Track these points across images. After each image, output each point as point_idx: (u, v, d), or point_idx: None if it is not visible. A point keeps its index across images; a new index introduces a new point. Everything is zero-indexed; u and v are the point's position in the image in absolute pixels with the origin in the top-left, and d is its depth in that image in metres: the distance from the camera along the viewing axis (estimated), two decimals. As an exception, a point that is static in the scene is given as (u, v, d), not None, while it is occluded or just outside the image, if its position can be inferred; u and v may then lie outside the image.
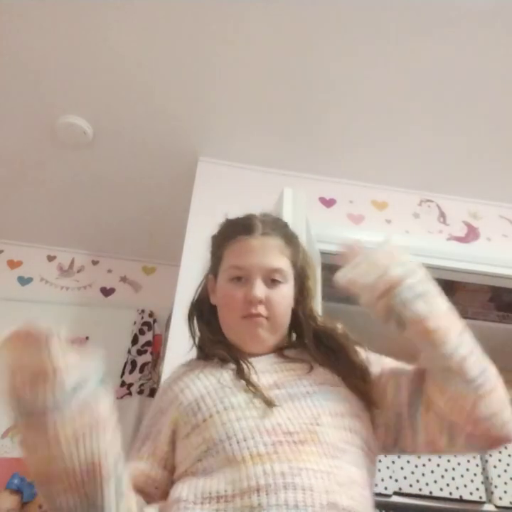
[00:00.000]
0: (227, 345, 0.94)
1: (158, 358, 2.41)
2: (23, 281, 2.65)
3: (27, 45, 1.80)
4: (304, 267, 1.01)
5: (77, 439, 0.64)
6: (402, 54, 1.79)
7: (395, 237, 0.98)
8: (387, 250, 0.91)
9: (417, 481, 1.78)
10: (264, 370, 0.88)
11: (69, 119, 2.03)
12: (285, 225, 1.04)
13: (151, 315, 2.53)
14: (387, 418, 0.89)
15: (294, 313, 0.98)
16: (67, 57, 1.83)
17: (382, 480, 1.75)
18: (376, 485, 1.67)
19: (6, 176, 2.33)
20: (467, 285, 2.23)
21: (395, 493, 1.75)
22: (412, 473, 1.79)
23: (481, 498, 1.77)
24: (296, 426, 0.78)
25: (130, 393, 2.25)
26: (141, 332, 2.47)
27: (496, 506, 1.77)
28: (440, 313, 0.84)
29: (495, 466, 1.84)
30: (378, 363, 0.95)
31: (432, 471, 1.80)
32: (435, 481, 1.78)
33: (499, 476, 1.83)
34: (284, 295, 0.95)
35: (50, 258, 2.73)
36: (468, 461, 1.83)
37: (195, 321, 1.01)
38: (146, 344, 2.44)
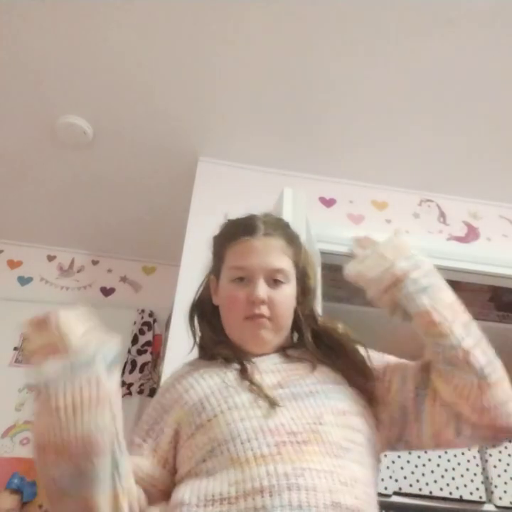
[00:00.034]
0: (230, 345, 0.94)
1: (158, 357, 2.41)
2: (23, 281, 2.65)
3: (27, 45, 1.80)
4: (305, 267, 1.01)
5: (75, 411, 0.67)
6: (402, 54, 1.80)
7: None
8: (395, 244, 0.93)
9: (417, 481, 1.78)
10: (268, 370, 0.88)
11: (69, 119, 2.03)
12: (287, 225, 1.04)
13: (151, 315, 2.54)
14: (392, 412, 0.89)
15: (296, 313, 0.98)
16: (67, 57, 1.84)
17: (382, 480, 1.75)
18: (376, 485, 1.67)
19: (6, 176, 2.33)
20: (467, 285, 2.23)
21: (395, 493, 1.75)
22: (412, 473, 1.79)
23: (481, 498, 1.77)
24: (299, 426, 0.78)
25: (130, 393, 2.25)
26: (141, 332, 2.47)
27: (496, 506, 1.77)
28: (444, 306, 0.86)
29: (495, 466, 1.84)
30: (381, 359, 0.96)
31: (432, 471, 1.80)
32: (435, 481, 1.78)
33: (499, 476, 1.83)
34: (287, 295, 0.95)
35: (50, 258, 2.74)
36: (468, 461, 1.83)
37: (195, 321, 1.01)
38: (146, 344, 2.44)
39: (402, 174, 2.23)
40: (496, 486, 1.80)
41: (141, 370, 2.34)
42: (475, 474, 1.81)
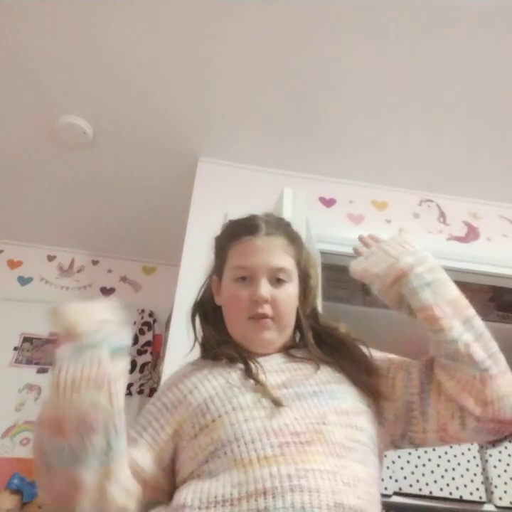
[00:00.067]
0: (234, 345, 0.94)
1: (158, 358, 2.41)
2: (23, 281, 2.65)
3: (27, 45, 1.80)
4: (307, 267, 1.02)
5: (73, 388, 0.70)
6: (402, 54, 1.80)
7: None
8: (399, 241, 0.96)
9: (417, 481, 1.78)
10: (272, 370, 0.88)
11: (69, 119, 2.03)
12: (288, 225, 1.04)
13: (151, 315, 2.53)
14: (396, 409, 0.90)
15: (298, 312, 0.98)
16: (67, 57, 1.83)
17: (382, 480, 1.74)
18: (376, 485, 1.67)
19: (5, 176, 2.33)
20: (467, 285, 2.23)
21: (395, 493, 1.75)
22: (412, 473, 1.79)
23: (481, 498, 1.77)
24: (302, 426, 0.78)
25: (130, 393, 2.25)
26: (141, 332, 2.47)
27: (496, 506, 1.77)
28: (447, 301, 0.88)
29: (495, 466, 1.84)
30: (384, 357, 0.96)
31: (432, 471, 1.80)
32: (435, 481, 1.78)
33: (499, 476, 1.82)
34: (289, 294, 0.95)
35: (50, 258, 2.73)
36: (469, 461, 1.83)
37: (197, 322, 1.01)
38: (146, 344, 2.44)
39: (402, 174, 2.23)
40: (496, 486, 1.80)
41: (141, 370, 2.35)
42: (475, 474, 1.81)
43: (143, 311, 2.54)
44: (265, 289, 0.92)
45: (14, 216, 2.57)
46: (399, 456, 1.80)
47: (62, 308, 0.77)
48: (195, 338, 1.00)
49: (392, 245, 0.95)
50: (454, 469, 1.81)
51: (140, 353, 2.40)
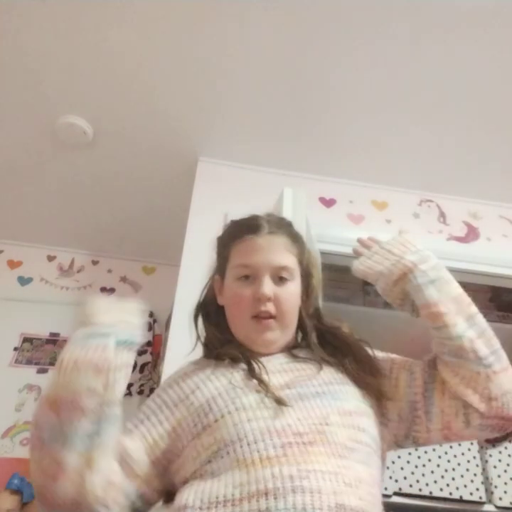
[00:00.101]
0: (236, 344, 0.94)
1: (158, 358, 2.41)
2: (23, 281, 2.65)
3: (27, 45, 1.80)
4: (309, 266, 1.02)
5: (73, 369, 0.75)
6: (402, 54, 1.79)
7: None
8: (401, 241, 0.97)
9: (417, 481, 1.78)
10: (275, 370, 0.88)
11: (69, 119, 2.03)
12: (290, 224, 1.05)
13: (151, 315, 2.53)
14: (399, 409, 0.90)
15: (300, 312, 0.98)
16: (67, 57, 1.83)
17: (382, 480, 1.74)
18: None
19: (6, 176, 2.33)
20: (467, 285, 2.22)
21: (395, 494, 1.75)
22: (412, 473, 1.79)
23: (481, 498, 1.77)
24: (305, 426, 0.78)
25: (130, 393, 2.25)
26: (141, 332, 2.47)
27: (496, 506, 1.77)
28: (451, 298, 0.89)
29: (495, 466, 1.84)
30: (386, 358, 0.97)
31: (432, 472, 1.80)
32: (435, 481, 1.78)
33: (499, 476, 1.82)
34: (292, 292, 0.95)
35: (50, 258, 2.74)
36: (469, 461, 1.83)
37: (200, 322, 1.01)
38: (146, 344, 2.44)
39: (402, 174, 2.23)
40: (496, 487, 1.80)
41: (141, 371, 2.35)
42: (475, 475, 1.81)
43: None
44: (268, 287, 0.92)
45: (14, 216, 2.57)
46: (399, 456, 1.80)
47: (90, 300, 0.83)
48: (198, 339, 1.00)
49: (394, 245, 0.96)
50: (454, 469, 1.81)
51: (140, 353, 2.39)
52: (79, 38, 1.78)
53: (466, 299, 0.91)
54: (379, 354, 0.97)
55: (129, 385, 2.28)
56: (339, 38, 1.75)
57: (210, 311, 1.01)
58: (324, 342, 0.97)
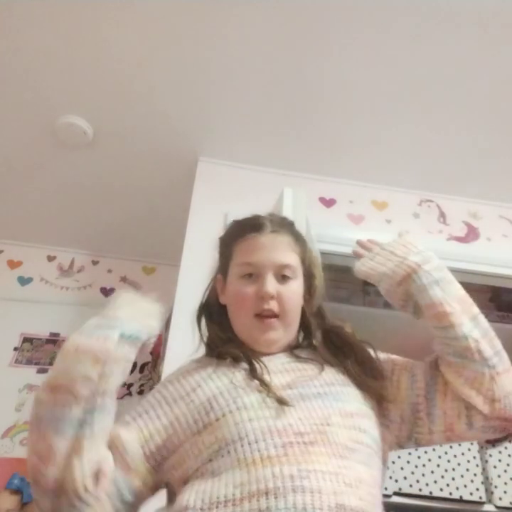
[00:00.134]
0: (238, 344, 0.94)
1: (158, 358, 2.40)
2: (23, 281, 2.65)
3: (27, 44, 1.80)
4: (311, 266, 1.02)
5: (72, 356, 0.78)
6: (402, 54, 1.79)
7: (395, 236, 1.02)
8: (402, 242, 0.97)
9: (417, 481, 1.78)
10: (276, 370, 0.88)
11: (69, 119, 2.03)
12: (292, 224, 1.05)
13: (151, 315, 2.53)
14: (401, 411, 0.90)
15: (303, 312, 0.98)
16: (67, 57, 1.83)
17: (383, 481, 1.74)
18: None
19: (6, 176, 2.33)
20: (467, 285, 2.22)
21: (395, 494, 1.75)
22: (412, 473, 1.79)
23: (481, 498, 1.77)
24: (306, 426, 0.78)
25: (130, 393, 2.25)
26: (141, 332, 2.47)
27: (496, 506, 1.77)
28: (455, 298, 0.89)
29: (495, 466, 1.84)
30: (388, 360, 0.96)
31: (432, 472, 1.80)
32: (435, 481, 1.78)
33: (499, 476, 1.82)
34: (295, 291, 0.95)
35: (50, 258, 2.73)
36: (469, 461, 1.83)
37: (203, 323, 1.01)
38: (146, 344, 2.43)
39: (402, 174, 2.23)
40: (496, 487, 1.80)
41: (141, 371, 2.35)
42: (475, 475, 1.81)
43: (143, 311, 2.53)
44: (272, 285, 0.92)
45: (14, 216, 2.57)
46: (399, 456, 1.80)
47: (119, 293, 0.90)
48: (201, 339, 1.00)
49: (396, 246, 0.96)
50: (454, 469, 1.81)
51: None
52: (79, 38, 1.78)
53: (469, 299, 0.91)
54: (380, 355, 0.97)
55: (129, 385, 2.28)
56: (339, 37, 1.75)
57: (213, 310, 1.01)
58: (327, 342, 0.97)
